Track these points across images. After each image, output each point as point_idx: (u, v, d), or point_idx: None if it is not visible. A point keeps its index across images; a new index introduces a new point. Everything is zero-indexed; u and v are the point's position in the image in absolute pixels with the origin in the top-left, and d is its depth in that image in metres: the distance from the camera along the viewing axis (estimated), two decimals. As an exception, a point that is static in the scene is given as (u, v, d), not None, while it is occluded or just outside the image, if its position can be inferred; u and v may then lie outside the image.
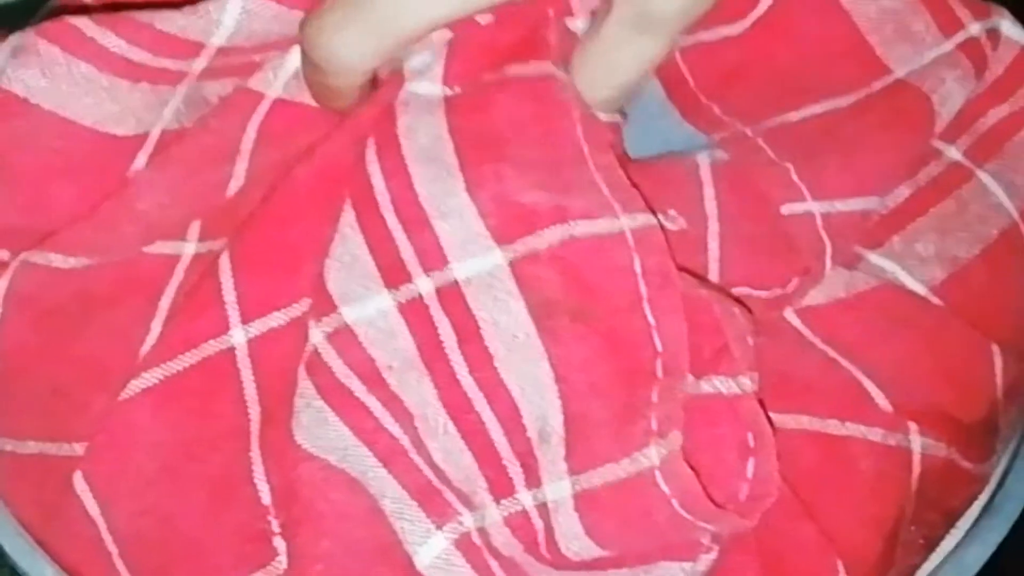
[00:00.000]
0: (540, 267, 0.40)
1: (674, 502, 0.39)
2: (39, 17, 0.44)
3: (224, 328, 0.42)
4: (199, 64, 0.41)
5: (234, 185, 0.43)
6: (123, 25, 0.40)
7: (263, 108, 0.42)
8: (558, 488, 0.39)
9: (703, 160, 0.45)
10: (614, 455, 0.39)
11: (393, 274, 0.40)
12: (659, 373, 0.39)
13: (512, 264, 0.40)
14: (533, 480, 0.39)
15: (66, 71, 0.40)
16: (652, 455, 0.39)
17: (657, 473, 0.39)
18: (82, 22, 0.40)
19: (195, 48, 0.41)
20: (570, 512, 0.39)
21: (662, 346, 0.40)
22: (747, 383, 0.40)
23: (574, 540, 0.39)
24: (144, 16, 0.40)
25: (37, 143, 0.40)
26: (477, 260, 0.40)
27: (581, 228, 0.40)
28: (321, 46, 0.40)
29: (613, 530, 0.39)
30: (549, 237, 0.40)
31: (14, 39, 0.40)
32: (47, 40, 0.40)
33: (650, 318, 0.40)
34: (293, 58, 0.42)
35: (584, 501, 0.39)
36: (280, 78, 0.42)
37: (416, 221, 0.40)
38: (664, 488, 0.39)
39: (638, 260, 0.40)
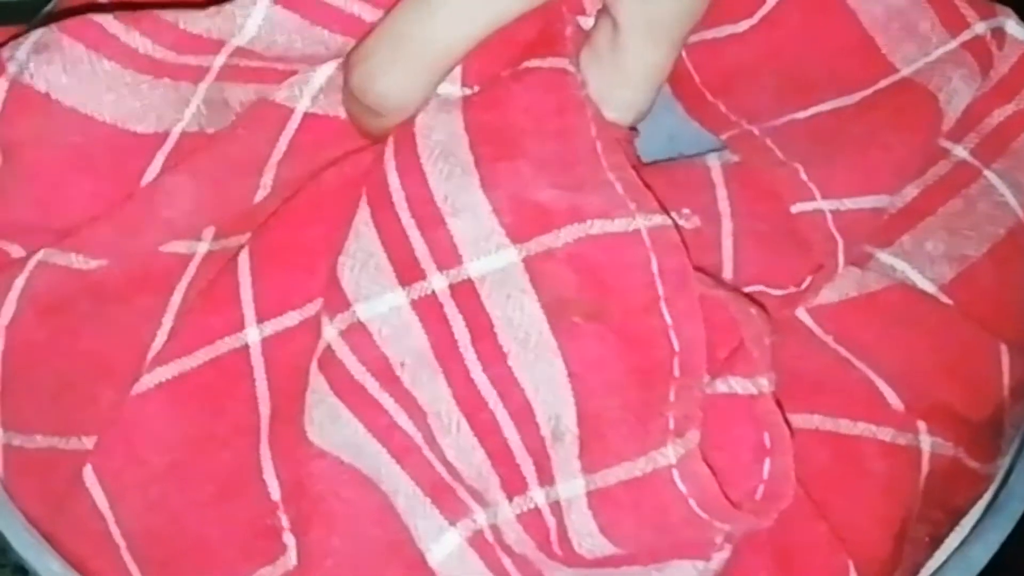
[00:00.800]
0: (555, 265, 0.40)
1: (691, 501, 0.39)
2: (43, 16, 0.44)
3: (239, 326, 0.42)
4: (219, 61, 0.41)
5: (260, 195, 0.43)
6: (147, 23, 0.40)
7: (294, 122, 0.42)
8: (572, 486, 0.39)
9: (713, 162, 0.45)
10: (630, 454, 0.39)
11: (407, 271, 0.40)
12: (676, 372, 0.39)
13: (526, 262, 0.40)
14: (546, 478, 0.39)
15: (89, 68, 0.40)
16: (669, 454, 0.39)
17: (674, 472, 0.39)
18: (105, 20, 0.40)
19: (216, 46, 0.41)
20: (583, 510, 0.39)
21: (679, 345, 0.40)
22: (764, 383, 0.40)
23: (587, 538, 0.39)
24: (168, 15, 0.40)
25: (56, 139, 0.40)
26: (491, 258, 0.40)
27: (597, 227, 0.40)
28: (372, 91, 0.41)
29: (628, 528, 0.39)
30: (565, 235, 0.40)
31: (36, 35, 0.40)
32: (71, 37, 0.40)
33: (667, 318, 0.40)
34: (317, 76, 0.42)
35: (598, 499, 0.39)
36: (306, 94, 0.42)
37: (430, 218, 0.40)
38: (681, 487, 0.39)
39: (655, 259, 0.40)
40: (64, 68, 0.40)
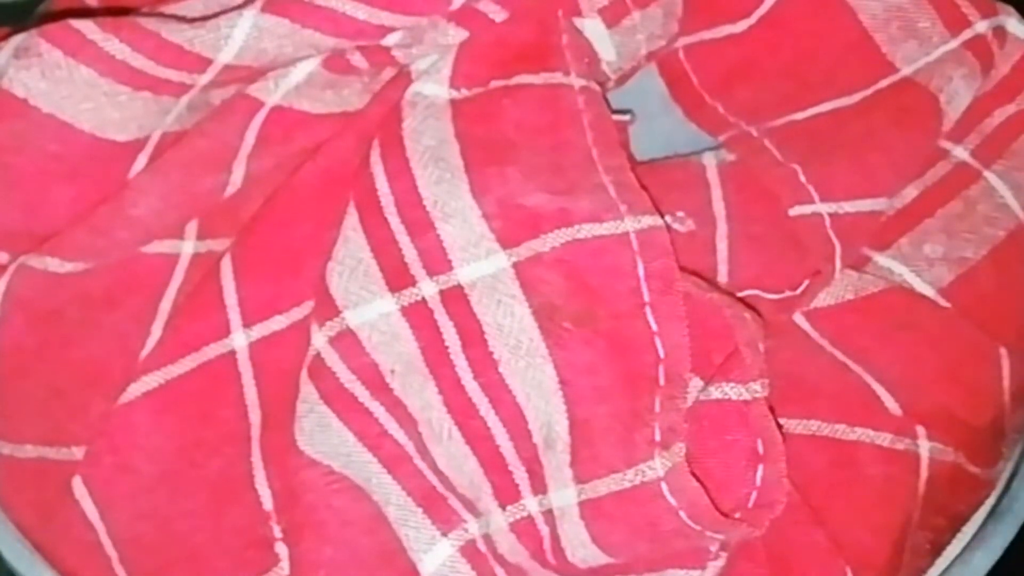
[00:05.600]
0: (544, 270, 0.39)
1: (681, 513, 0.38)
2: (36, 17, 0.44)
3: (225, 331, 0.42)
4: (205, 79, 0.40)
5: (230, 191, 0.42)
6: (127, 30, 0.39)
7: (262, 115, 0.41)
8: (564, 496, 0.39)
9: (709, 161, 0.45)
10: (618, 465, 0.39)
11: (396, 277, 0.40)
12: (661, 380, 0.39)
13: (516, 267, 0.39)
14: (539, 486, 0.39)
15: (67, 74, 0.39)
16: (657, 467, 0.38)
17: (663, 485, 0.38)
18: (85, 25, 0.39)
19: (201, 63, 0.40)
20: (576, 520, 0.39)
21: (664, 352, 0.39)
22: (758, 389, 0.40)
23: (580, 547, 0.39)
24: (151, 23, 0.39)
25: (35, 145, 0.40)
26: (481, 263, 0.40)
27: (585, 231, 0.40)
28: None
29: (620, 538, 0.39)
30: (552, 240, 0.40)
31: (17, 39, 0.40)
32: (49, 42, 0.39)
33: (652, 323, 0.39)
34: (297, 71, 0.41)
35: (590, 509, 0.39)
36: (281, 87, 0.41)
37: (420, 223, 0.40)
38: (670, 500, 0.38)
39: (641, 264, 0.40)
40: (42, 73, 0.39)
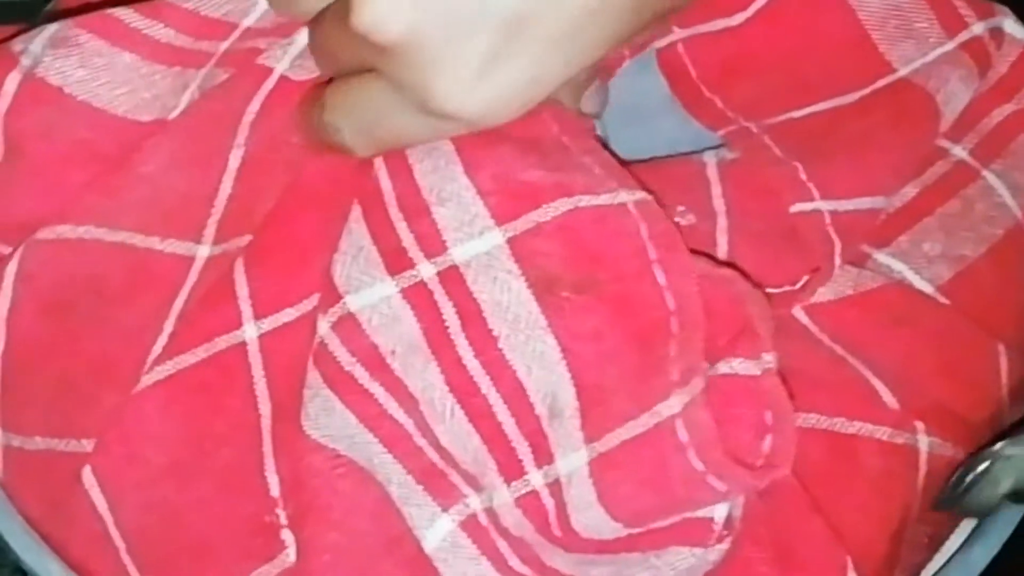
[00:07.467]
0: (542, 241, 0.40)
1: (690, 452, 0.38)
2: (44, 16, 0.44)
3: (236, 323, 0.42)
4: (224, 45, 0.41)
5: (236, 154, 0.42)
6: (167, 13, 0.40)
7: (270, 83, 0.42)
8: (573, 460, 0.39)
9: (709, 159, 0.45)
10: (633, 412, 0.39)
11: (396, 261, 0.40)
12: (675, 329, 0.39)
13: (510, 243, 0.40)
14: (543, 457, 0.39)
15: (107, 62, 0.40)
16: (674, 404, 0.39)
17: (678, 422, 0.39)
18: (125, 14, 0.40)
19: (229, 28, 0.41)
20: (584, 479, 0.39)
21: (675, 304, 0.40)
22: (769, 360, 0.40)
23: (585, 510, 0.39)
24: (188, 3, 0.40)
25: (64, 132, 0.40)
26: (475, 242, 0.40)
27: (585, 200, 0.40)
28: None
29: (627, 493, 0.39)
30: (553, 210, 0.40)
31: (50, 30, 0.40)
32: (91, 32, 0.40)
33: (661, 279, 0.40)
34: (301, 36, 0.42)
35: (599, 465, 0.39)
36: (289, 55, 0.42)
37: (416, 209, 0.41)
38: (682, 435, 0.39)
39: (644, 226, 0.40)
40: (81, 62, 0.40)
